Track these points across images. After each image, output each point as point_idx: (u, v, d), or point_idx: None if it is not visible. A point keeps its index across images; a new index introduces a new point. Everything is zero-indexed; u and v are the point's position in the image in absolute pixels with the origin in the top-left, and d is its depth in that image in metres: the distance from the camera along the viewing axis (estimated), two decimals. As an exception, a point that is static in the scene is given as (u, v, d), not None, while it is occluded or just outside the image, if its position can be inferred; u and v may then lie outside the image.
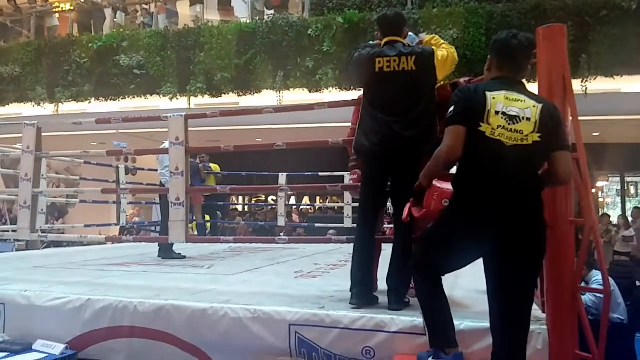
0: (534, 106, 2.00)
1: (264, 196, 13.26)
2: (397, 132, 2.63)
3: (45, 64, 9.69)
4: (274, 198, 11.31)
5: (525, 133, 1.96)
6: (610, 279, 2.74)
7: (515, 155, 1.94)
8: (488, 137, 1.95)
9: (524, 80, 2.12)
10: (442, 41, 2.80)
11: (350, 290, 2.70)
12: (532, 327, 2.14)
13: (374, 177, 2.80)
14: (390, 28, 2.79)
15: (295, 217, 11.53)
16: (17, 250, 7.56)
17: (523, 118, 1.97)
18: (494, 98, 1.99)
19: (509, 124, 1.96)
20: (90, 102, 9.42)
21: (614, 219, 10.53)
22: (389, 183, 2.78)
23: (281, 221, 8.29)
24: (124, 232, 9.58)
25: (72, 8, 11.73)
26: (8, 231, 5.74)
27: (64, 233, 7.53)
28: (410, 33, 2.97)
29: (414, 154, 2.63)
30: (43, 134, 3.98)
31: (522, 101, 2.00)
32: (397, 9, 6.78)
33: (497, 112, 1.97)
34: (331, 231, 7.88)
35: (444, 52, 2.71)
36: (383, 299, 2.69)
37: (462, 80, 2.75)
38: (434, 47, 2.72)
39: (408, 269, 2.41)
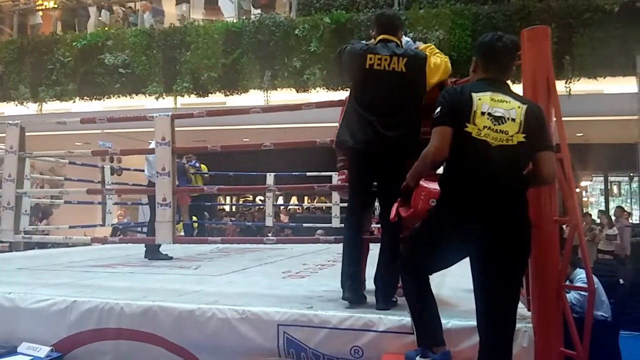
0: (519, 107, 2.03)
1: (251, 196, 13.23)
2: (381, 131, 2.63)
3: (29, 63, 9.56)
4: (262, 198, 11.29)
5: (510, 133, 1.98)
6: (594, 277, 2.79)
7: (500, 155, 1.96)
8: (474, 137, 1.98)
9: (509, 82, 2.15)
10: (437, 51, 2.80)
11: (342, 286, 2.70)
12: (517, 325, 2.16)
13: (359, 176, 2.80)
14: (387, 27, 2.79)
15: (283, 217, 11.52)
16: (0, 252, 7.44)
17: (508, 119, 1.99)
18: (479, 99, 2.01)
19: (494, 125, 1.98)
20: (74, 102, 9.32)
21: (597, 218, 10.69)
22: (375, 182, 2.79)
23: (269, 221, 8.27)
24: (116, 233, 9.47)
25: (55, 6, 11.58)
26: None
27: (49, 234, 7.43)
28: (407, 38, 2.99)
29: (399, 155, 2.63)
30: (26, 134, 3.93)
31: (507, 102, 2.03)
32: (385, 9, 6.84)
33: (482, 113, 1.99)
34: (319, 231, 7.89)
35: (438, 60, 2.71)
36: (371, 299, 2.70)
37: (448, 81, 2.78)
38: (427, 54, 2.73)
39: (395, 268, 2.42)
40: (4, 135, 3.92)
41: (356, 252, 2.78)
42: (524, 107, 2.03)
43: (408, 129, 2.64)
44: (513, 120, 2.00)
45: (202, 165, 8.66)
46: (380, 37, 2.77)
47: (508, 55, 2.12)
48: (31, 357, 2.73)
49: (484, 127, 1.98)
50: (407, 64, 2.65)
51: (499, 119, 1.99)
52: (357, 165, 2.79)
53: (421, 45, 2.90)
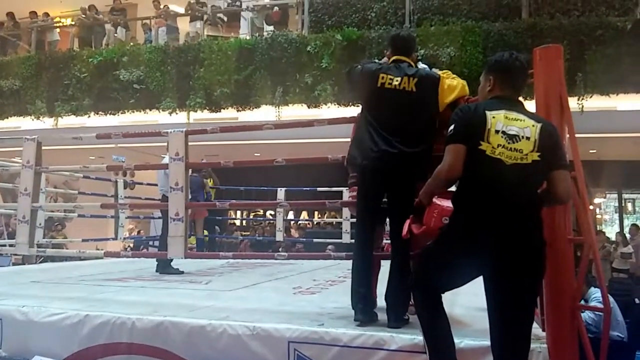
0: (533, 125, 2.02)
1: (262, 211, 13.25)
2: (390, 148, 2.65)
3: (46, 78, 9.75)
4: (272, 213, 11.30)
5: (524, 152, 1.98)
6: (609, 296, 2.74)
7: (515, 174, 1.96)
8: (488, 155, 1.97)
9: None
10: (454, 76, 2.82)
11: (353, 307, 2.69)
12: (532, 345, 2.13)
13: (368, 193, 2.80)
14: (401, 49, 2.85)
15: (293, 232, 11.51)
16: (13, 264, 7.51)
17: (522, 137, 1.99)
18: (494, 117, 2.01)
19: (508, 143, 1.98)
20: (89, 116, 9.45)
21: (612, 236, 10.54)
22: (384, 199, 2.79)
23: (279, 236, 8.27)
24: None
25: (73, 23, 11.83)
26: (5, 245, 5.71)
27: (62, 248, 7.49)
28: (424, 65, 3.02)
29: (408, 171, 2.64)
30: (42, 148, 3.99)
31: (521, 120, 2.03)
32: (400, 30, 6.91)
33: (497, 131, 1.99)
34: (330, 247, 7.87)
35: (454, 82, 2.73)
36: (382, 316, 2.68)
37: (460, 99, 2.78)
38: (442, 75, 2.75)
39: (406, 286, 2.41)
40: (19, 148, 3.99)
41: (366, 271, 2.76)
42: (539, 125, 2.03)
43: (417, 146, 2.65)
44: (527, 138, 1.99)
45: (209, 180, 8.72)
46: (394, 57, 2.82)
47: (524, 74, 2.15)
48: (43, 371, 2.74)
49: (498, 145, 1.98)
50: (418, 83, 2.68)
51: (513, 137, 1.98)
52: (367, 182, 2.79)
53: (438, 72, 2.91)
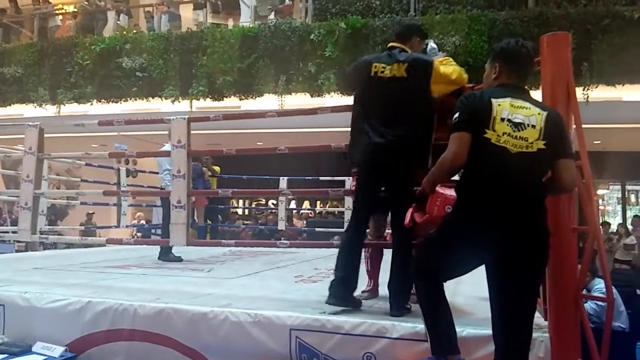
0: (539, 113, 2.00)
1: (264, 200, 13.26)
2: (383, 141, 2.63)
3: (48, 66, 9.70)
4: (274, 202, 11.31)
5: (530, 140, 1.96)
6: (612, 287, 2.73)
7: (520, 162, 1.94)
8: (493, 143, 1.95)
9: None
10: (453, 62, 2.74)
11: (329, 289, 2.68)
12: (534, 334, 2.12)
13: (365, 183, 2.80)
14: (397, 34, 2.83)
15: (295, 221, 11.54)
16: (16, 251, 7.55)
17: (528, 125, 1.97)
18: (499, 105, 1.99)
19: (514, 131, 1.96)
20: (92, 104, 9.43)
21: (614, 227, 10.51)
22: (382, 189, 2.77)
23: (281, 225, 8.28)
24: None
25: (75, 10, 11.76)
26: (8, 232, 5.73)
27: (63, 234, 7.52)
28: (433, 44, 2.97)
29: (402, 158, 2.62)
30: (45, 135, 3.98)
31: (527, 108, 2.00)
32: (403, 17, 6.85)
33: (502, 119, 1.97)
34: (336, 237, 7.87)
35: (449, 69, 2.66)
36: (385, 305, 2.68)
37: (465, 87, 2.75)
38: (435, 61, 2.69)
39: (408, 274, 2.41)
40: (22, 136, 3.98)
41: (347, 256, 2.74)
42: (544, 113, 2.01)
43: (411, 133, 2.62)
44: (533, 126, 1.97)
45: (216, 167, 8.72)
46: (390, 44, 2.79)
47: (530, 62, 2.13)
48: (45, 357, 2.75)
49: (504, 133, 1.95)
50: (408, 68, 2.64)
51: (518, 126, 1.96)
52: (363, 171, 2.79)
53: (440, 57, 2.85)
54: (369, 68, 2.71)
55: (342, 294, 2.65)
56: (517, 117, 1.97)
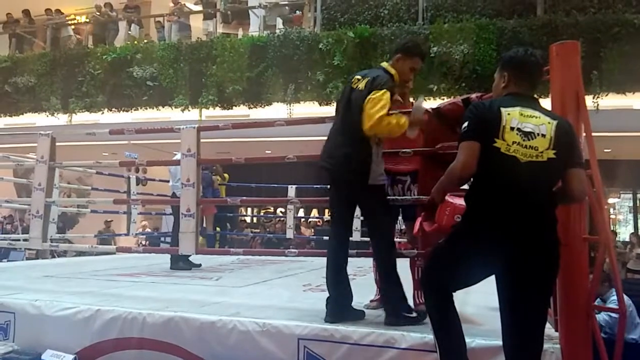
0: (549, 122, 1.99)
1: (272, 208, 13.27)
2: (332, 151, 2.75)
3: (60, 75, 9.84)
4: (282, 210, 11.31)
5: (540, 149, 1.94)
6: (627, 298, 2.70)
7: (529, 171, 1.92)
8: (503, 153, 1.94)
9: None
10: (383, 103, 2.52)
11: (325, 306, 2.69)
12: (545, 345, 2.10)
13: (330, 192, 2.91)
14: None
15: (303, 230, 11.52)
16: (27, 259, 7.61)
17: (538, 134, 1.96)
18: (509, 114, 1.98)
19: (523, 140, 1.94)
20: (103, 113, 9.53)
21: (626, 236, 10.39)
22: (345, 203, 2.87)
23: (289, 233, 8.28)
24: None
25: (87, 20, 11.93)
26: (20, 240, 5.78)
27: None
28: (385, 64, 2.83)
29: (344, 175, 2.71)
30: (56, 144, 4.02)
31: (537, 117, 1.99)
32: (411, 25, 6.84)
33: (512, 128, 1.95)
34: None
35: (371, 112, 2.51)
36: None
37: (473, 95, 2.75)
38: (369, 98, 2.56)
39: (392, 279, 2.55)
40: (34, 145, 4.03)
41: (336, 268, 2.76)
42: (555, 122, 1.99)
43: (347, 148, 2.66)
44: (543, 136, 1.96)
45: (225, 175, 8.76)
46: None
47: (539, 71, 2.12)
48: (55, 365, 2.77)
49: (513, 142, 1.94)
50: (367, 83, 2.65)
51: (528, 135, 1.95)
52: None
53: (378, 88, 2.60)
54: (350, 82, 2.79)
55: (337, 311, 2.66)
56: (527, 126, 1.96)
